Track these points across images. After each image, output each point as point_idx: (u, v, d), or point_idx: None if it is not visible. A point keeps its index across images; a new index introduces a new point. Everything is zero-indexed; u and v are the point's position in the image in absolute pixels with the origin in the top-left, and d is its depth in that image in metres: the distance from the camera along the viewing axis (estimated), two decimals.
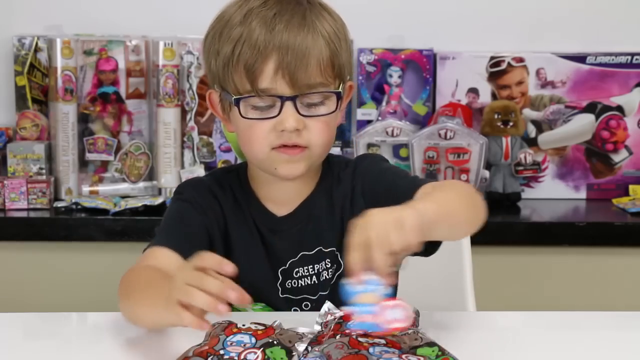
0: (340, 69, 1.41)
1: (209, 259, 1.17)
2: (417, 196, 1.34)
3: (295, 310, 1.47)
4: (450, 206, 1.30)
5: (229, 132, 1.50)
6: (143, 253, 1.43)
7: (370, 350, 1.13)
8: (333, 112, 1.41)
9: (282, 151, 1.40)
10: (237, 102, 1.39)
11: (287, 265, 1.47)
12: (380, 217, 1.17)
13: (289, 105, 1.37)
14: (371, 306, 1.09)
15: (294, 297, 1.47)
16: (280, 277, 1.47)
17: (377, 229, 1.15)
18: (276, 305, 1.46)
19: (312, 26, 1.39)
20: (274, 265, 1.47)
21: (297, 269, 1.47)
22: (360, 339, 1.16)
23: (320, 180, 1.50)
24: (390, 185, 1.44)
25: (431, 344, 1.17)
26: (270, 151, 1.40)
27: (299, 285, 1.47)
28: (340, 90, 1.41)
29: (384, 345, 1.15)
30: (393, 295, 1.10)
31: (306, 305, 1.48)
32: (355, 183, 1.49)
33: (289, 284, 1.47)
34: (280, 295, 1.47)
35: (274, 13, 1.38)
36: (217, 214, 1.48)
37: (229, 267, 1.16)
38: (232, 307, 1.19)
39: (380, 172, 1.48)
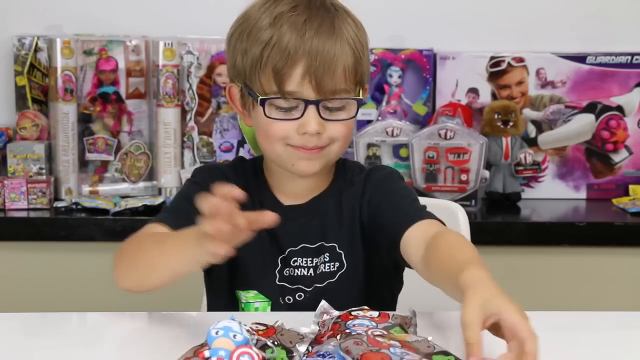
0: (362, 76, 1.46)
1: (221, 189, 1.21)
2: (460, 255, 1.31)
3: (288, 299, 1.50)
4: None
5: (247, 126, 1.54)
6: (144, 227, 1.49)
7: (391, 350, 1.13)
8: (353, 117, 1.46)
9: (300, 150, 1.45)
10: (262, 102, 1.43)
11: (286, 254, 1.50)
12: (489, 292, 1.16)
13: (311, 108, 1.42)
14: (224, 350, 1.13)
15: (289, 286, 1.50)
16: (280, 264, 1.51)
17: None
18: (271, 291, 1.49)
19: (340, 33, 1.43)
20: (274, 251, 1.51)
21: (295, 258, 1.51)
22: (378, 339, 1.16)
23: (334, 181, 1.55)
24: (395, 206, 1.47)
25: (446, 353, 1.17)
26: (286, 147, 1.45)
27: (296, 274, 1.50)
28: (360, 97, 1.46)
29: (399, 347, 1.14)
30: (245, 343, 1.14)
31: (299, 296, 1.51)
32: (366, 189, 1.52)
33: (287, 272, 1.51)
34: (277, 283, 1.51)
35: (305, 19, 1.42)
36: None
37: (238, 192, 1.20)
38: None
39: (392, 190, 1.51)
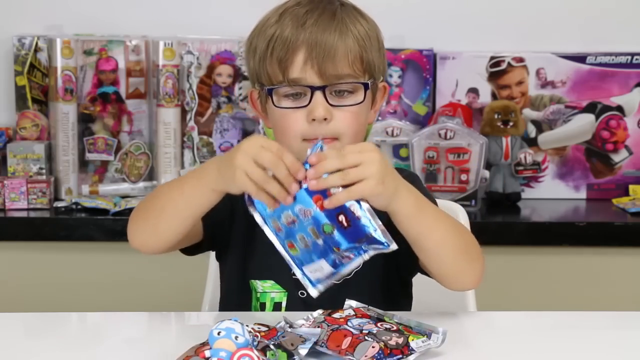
0: (370, 65, 1.49)
1: (288, 157, 1.29)
2: None
3: (302, 292, 1.49)
4: (442, 223, 1.38)
5: (268, 128, 1.58)
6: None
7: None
8: (361, 102, 1.48)
9: (313, 142, 1.44)
10: (269, 92, 1.48)
11: None
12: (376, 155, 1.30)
13: (318, 94, 1.45)
14: (224, 351, 1.14)
15: None
16: None
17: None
18: (285, 285, 1.48)
19: (342, 23, 1.47)
20: None
21: None
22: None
23: None
24: None
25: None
26: (301, 142, 1.47)
27: None
28: (368, 82, 1.48)
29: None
30: (247, 345, 1.15)
31: None
32: None
33: None
34: (293, 277, 1.49)
35: (306, 10, 1.48)
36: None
37: (302, 172, 1.29)
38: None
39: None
